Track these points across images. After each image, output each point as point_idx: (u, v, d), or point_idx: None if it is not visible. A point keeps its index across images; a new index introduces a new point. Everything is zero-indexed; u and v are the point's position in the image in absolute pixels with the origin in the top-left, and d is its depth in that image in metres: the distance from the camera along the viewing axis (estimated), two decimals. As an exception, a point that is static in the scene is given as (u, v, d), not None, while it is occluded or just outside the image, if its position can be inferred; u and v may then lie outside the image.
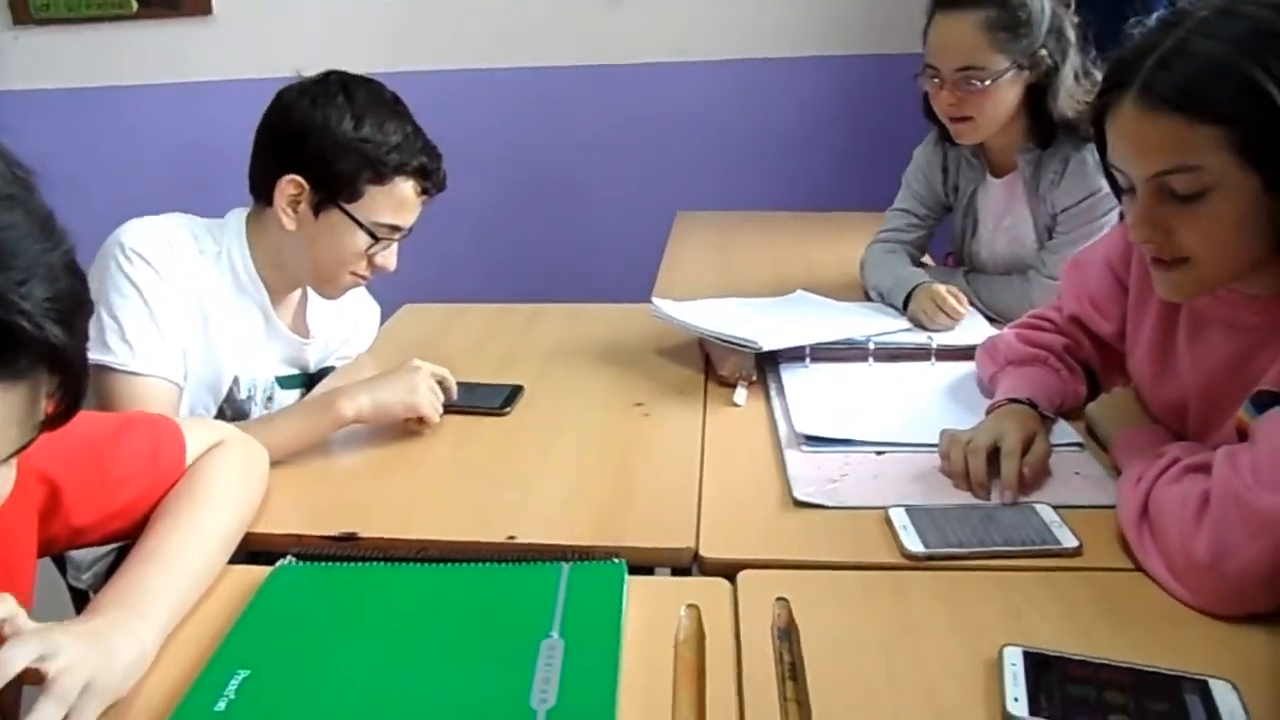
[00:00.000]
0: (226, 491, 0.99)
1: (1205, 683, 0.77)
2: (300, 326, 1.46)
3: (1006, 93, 1.53)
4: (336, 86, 1.30)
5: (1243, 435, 0.96)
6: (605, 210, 3.31)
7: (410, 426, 1.27)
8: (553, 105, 3.22)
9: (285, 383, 1.44)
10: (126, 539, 0.95)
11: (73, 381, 0.63)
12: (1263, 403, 0.95)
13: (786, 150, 3.20)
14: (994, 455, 1.10)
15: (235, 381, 1.35)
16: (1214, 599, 0.87)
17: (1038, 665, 0.79)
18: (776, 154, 3.21)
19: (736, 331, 1.42)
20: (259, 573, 0.95)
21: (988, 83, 1.51)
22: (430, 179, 1.34)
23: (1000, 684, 0.78)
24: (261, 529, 1.05)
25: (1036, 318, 1.35)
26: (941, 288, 1.60)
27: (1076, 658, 0.80)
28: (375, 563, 0.96)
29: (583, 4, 3.09)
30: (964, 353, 1.46)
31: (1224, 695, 0.75)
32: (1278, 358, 0.95)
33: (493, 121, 3.21)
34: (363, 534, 1.04)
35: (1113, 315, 1.23)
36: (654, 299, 1.61)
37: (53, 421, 0.64)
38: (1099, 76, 1.52)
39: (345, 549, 1.01)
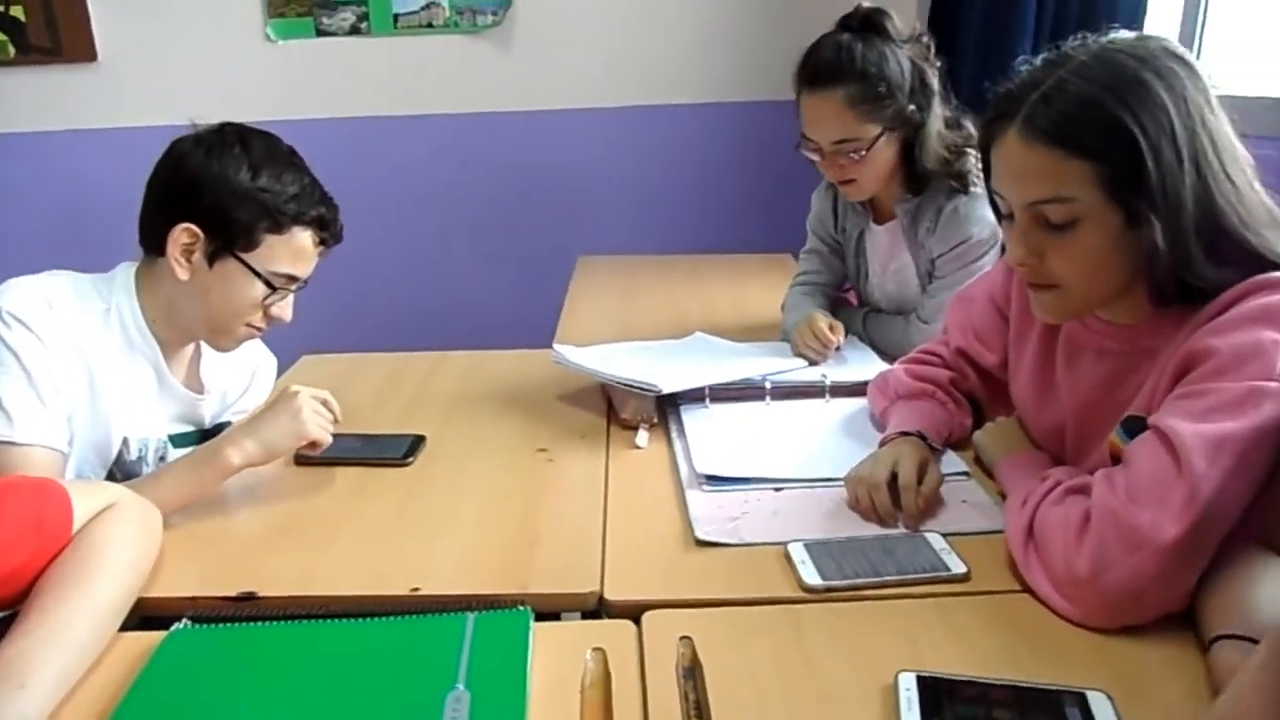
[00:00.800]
0: (116, 557, 0.96)
1: (1083, 695, 0.81)
2: (194, 382, 1.43)
3: (883, 154, 1.61)
4: (233, 137, 1.29)
5: (1115, 458, 1.03)
6: (506, 257, 3.32)
7: (304, 453, 1.26)
8: (452, 152, 3.23)
9: (179, 441, 1.40)
10: (11, 608, 0.91)
11: None
12: (1132, 427, 1.02)
13: (686, 194, 3.27)
14: (893, 484, 1.15)
15: (125, 442, 1.31)
16: (1094, 612, 0.92)
17: (930, 689, 0.82)
18: (677, 198, 3.28)
19: (637, 375, 1.45)
20: (151, 639, 0.92)
21: (864, 152, 1.58)
22: (328, 229, 1.34)
23: (896, 708, 0.81)
24: (155, 593, 1.02)
25: (924, 353, 1.42)
26: (820, 320, 1.66)
27: (966, 679, 0.84)
28: (275, 622, 0.94)
29: (480, 50, 3.12)
30: (856, 389, 1.52)
31: (1100, 706, 0.80)
32: (1143, 384, 1.03)
33: (391, 169, 3.21)
34: (262, 593, 1.02)
35: (996, 347, 1.31)
36: (555, 345, 1.63)
37: None
38: (966, 123, 1.62)
39: (243, 609, 0.99)
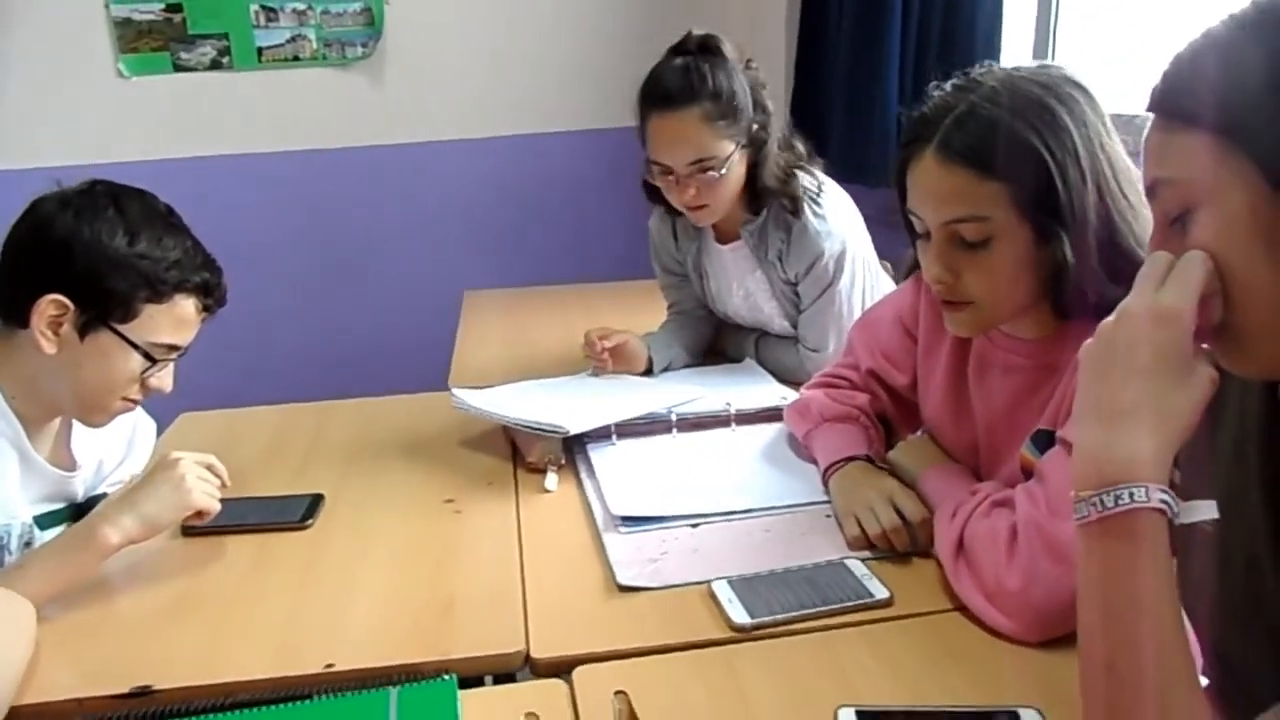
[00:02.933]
0: None
1: (1016, 713, 0.83)
2: (63, 457, 1.31)
3: (735, 174, 1.61)
4: (105, 198, 1.19)
5: (1027, 471, 1.06)
6: (387, 295, 3.23)
7: (190, 523, 1.19)
8: (324, 189, 3.13)
9: (45, 521, 1.28)
10: None
11: None
12: (1040, 441, 1.05)
13: (567, 223, 3.26)
14: None
15: (-11, 530, 1.19)
16: (1026, 624, 0.95)
17: (870, 722, 0.83)
18: (557, 227, 3.26)
19: (541, 417, 1.41)
20: (34, 751, 0.84)
21: (723, 170, 1.59)
22: (211, 295, 1.26)
23: (839, 748, 0.80)
24: (32, 699, 0.93)
25: (833, 376, 1.43)
26: (592, 331, 1.71)
27: (904, 710, 0.84)
28: (177, 718, 0.87)
29: (350, 83, 3.04)
30: (761, 415, 1.53)
31: (1032, 723, 0.82)
32: (1049, 398, 1.07)
33: (260, 209, 3.08)
34: (157, 686, 0.94)
35: (905, 367, 1.33)
36: (453, 389, 1.58)
37: None
38: (797, 143, 1.67)
39: (139, 706, 0.91)
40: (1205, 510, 0.71)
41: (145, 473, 1.18)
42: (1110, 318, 0.71)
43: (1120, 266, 0.98)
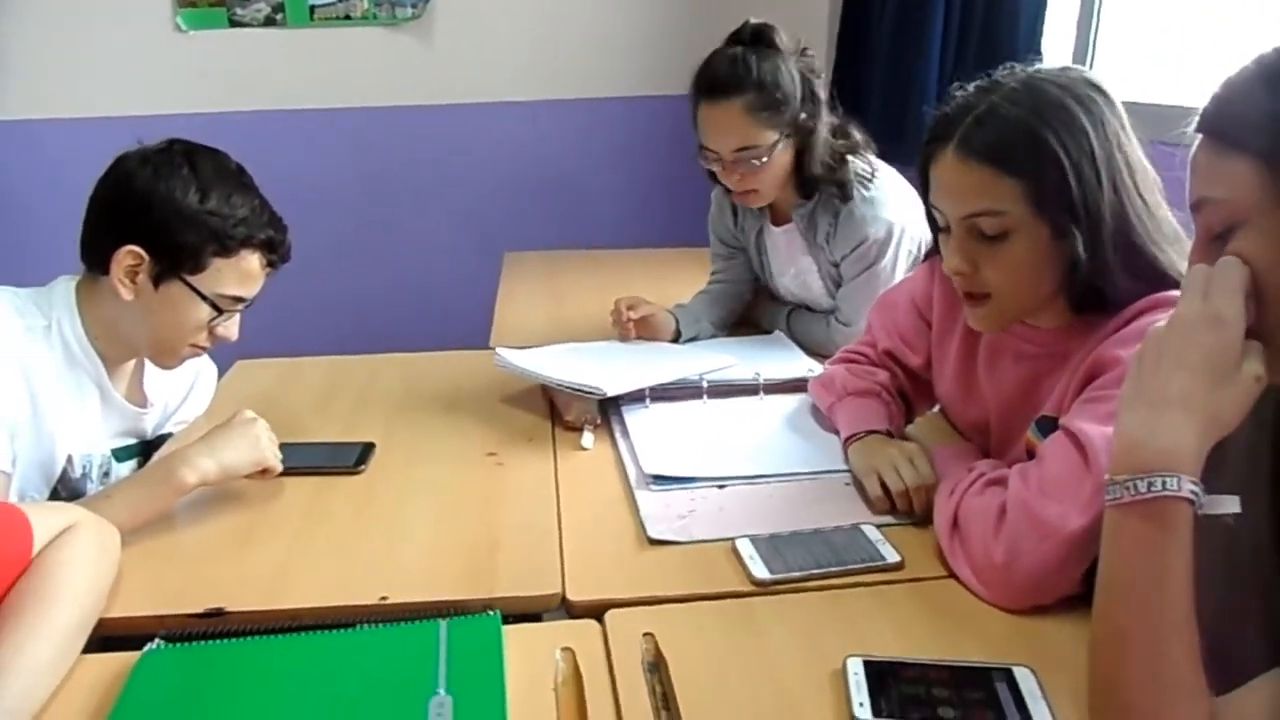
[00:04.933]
0: (78, 579, 0.97)
1: (1010, 671, 0.90)
2: (137, 396, 1.42)
3: (780, 161, 1.69)
4: (181, 157, 1.28)
5: (1030, 454, 1.12)
6: (431, 253, 3.31)
7: (254, 479, 1.28)
8: (370, 147, 3.20)
9: (121, 455, 1.39)
10: None
11: None
12: (1045, 426, 1.11)
13: (609, 188, 3.32)
14: None
15: (69, 460, 1.30)
16: (1008, 596, 1.02)
17: (876, 672, 0.90)
18: (599, 192, 3.32)
19: (579, 378, 1.49)
20: (122, 660, 0.94)
21: (765, 159, 1.66)
22: (276, 251, 1.34)
23: (846, 691, 0.88)
24: (118, 613, 1.03)
25: (854, 353, 1.50)
26: (621, 300, 1.81)
27: (907, 661, 0.92)
28: (248, 638, 0.96)
29: (399, 43, 3.10)
30: (788, 386, 1.60)
31: (1025, 680, 0.89)
32: (1057, 386, 1.12)
33: (308, 165, 3.16)
34: (230, 608, 1.04)
35: (920, 349, 1.39)
36: (496, 349, 1.66)
37: None
38: (853, 131, 1.72)
39: (213, 626, 1.00)
40: (1228, 504, 0.76)
41: (224, 424, 1.27)
42: (1161, 321, 0.77)
43: (1135, 263, 1.03)
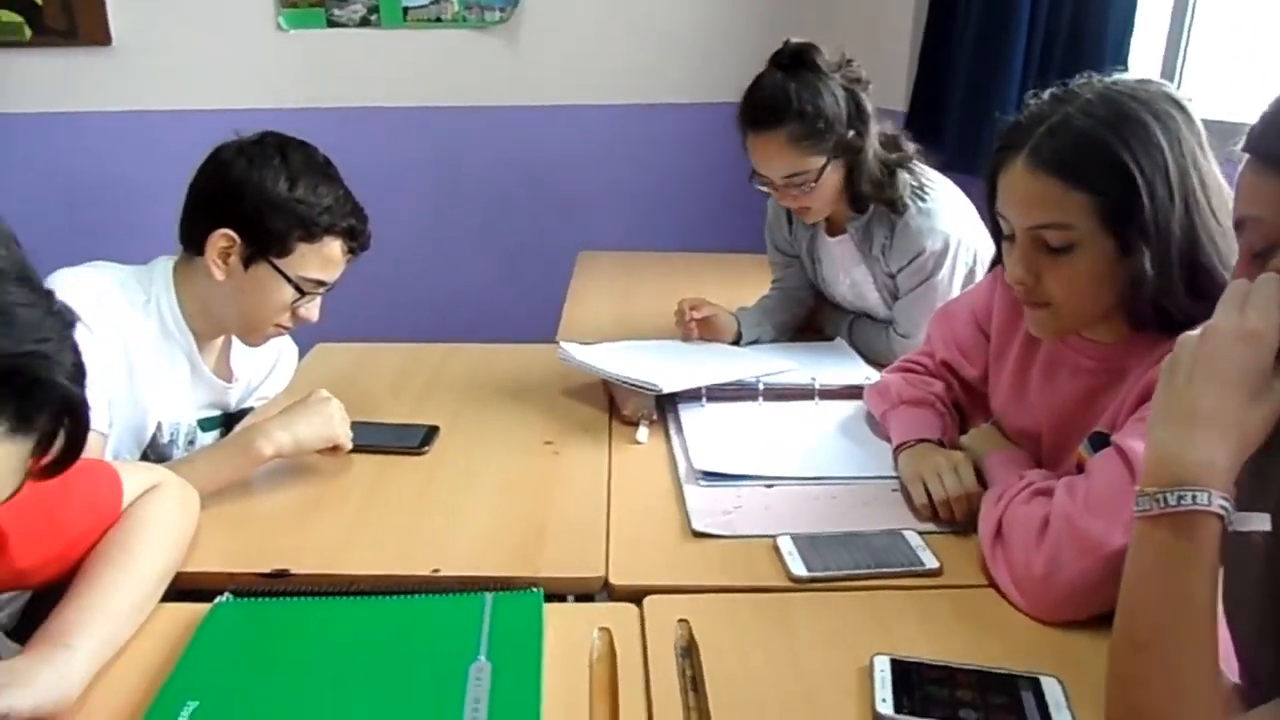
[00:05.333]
0: (161, 533, 1.05)
1: (1037, 680, 0.91)
2: (224, 370, 1.51)
3: (831, 181, 1.71)
4: (273, 148, 1.36)
5: (1081, 469, 1.12)
6: (507, 249, 3.41)
7: (324, 454, 1.35)
8: (456, 145, 3.31)
9: (206, 425, 1.48)
10: (62, 579, 0.99)
11: (81, 434, 0.70)
12: (1097, 442, 1.11)
13: (685, 193, 3.36)
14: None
15: (159, 426, 1.39)
16: (1044, 607, 1.03)
17: (902, 670, 0.92)
18: (676, 196, 3.37)
19: (638, 375, 1.54)
20: (194, 610, 1.01)
21: (814, 183, 1.68)
22: (357, 239, 1.42)
23: (870, 687, 0.90)
24: (193, 568, 1.11)
25: (911, 363, 1.51)
26: (684, 302, 1.87)
27: (934, 663, 0.94)
28: (309, 598, 1.03)
29: (487, 45, 3.19)
30: (843, 392, 1.62)
31: (1051, 689, 0.90)
32: (1112, 402, 1.12)
33: (396, 160, 3.28)
34: (294, 570, 1.11)
35: (977, 361, 1.40)
36: (561, 343, 1.72)
37: (55, 468, 0.71)
38: (904, 141, 1.72)
39: (278, 585, 1.08)
40: (1258, 521, 0.76)
41: (301, 401, 1.35)
42: (1194, 332, 0.77)
43: (1202, 284, 1.01)
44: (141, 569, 1.01)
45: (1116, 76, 1.08)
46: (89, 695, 0.88)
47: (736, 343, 1.89)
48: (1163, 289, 1.03)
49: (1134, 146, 1.00)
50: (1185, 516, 0.73)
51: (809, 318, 2.04)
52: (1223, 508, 0.73)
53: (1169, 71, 2.21)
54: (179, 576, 1.08)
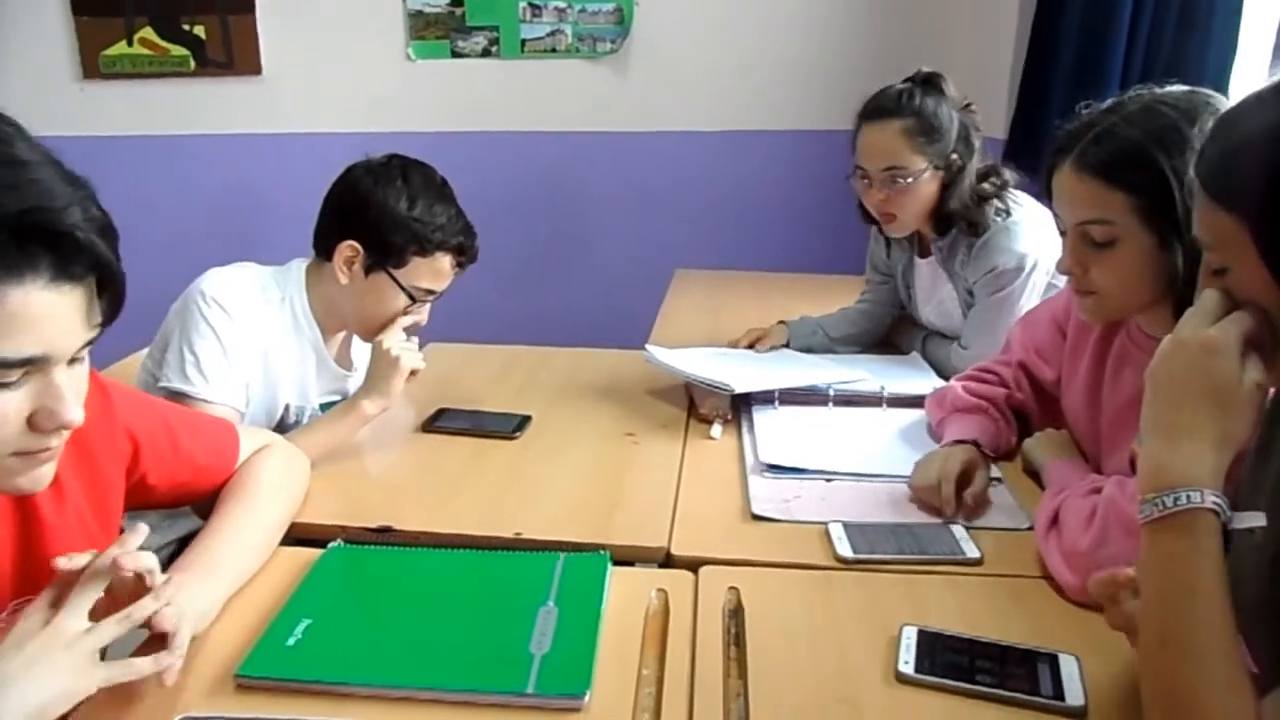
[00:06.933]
0: (274, 485, 1.22)
1: (1055, 656, 0.98)
2: (345, 360, 1.70)
3: (925, 189, 1.79)
4: (397, 170, 1.53)
5: (1133, 463, 1.18)
6: (610, 263, 3.58)
7: (435, 424, 1.56)
8: (569, 166, 3.50)
9: (326, 409, 1.67)
10: (183, 505, 1.19)
11: (116, 287, 0.83)
12: None
13: (778, 216, 3.47)
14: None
15: (287, 409, 1.59)
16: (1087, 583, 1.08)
17: (927, 639, 1.01)
18: (769, 219, 3.48)
19: (714, 376, 1.65)
20: (309, 554, 1.18)
21: (910, 180, 1.76)
22: (465, 254, 1.58)
23: (895, 652, 0.99)
24: (309, 519, 1.28)
25: (983, 370, 1.58)
26: (748, 334, 2.03)
27: (959, 635, 1.02)
28: (409, 548, 1.19)
29: (599, 75, 3.39)
30: (910, 400, 1.69)
31: (1068, 664, 0.96)
32: None
33: (513, 180, 3.49)
34: (397, 527, 1.27)
35: (1054, 363, 1.47)
36: (647, 345, 1.85)
37: (103, 324, 0.84)
38: (1005, 171, 1.81)
39: (382, 538, 1.24)
40: (1252, 518, 0.82)
41: (371, 363, 1.52)
42: (1166, 343, 0.85)
43: None
44: (263, 513, 1.18)
45: (1168, 89, 1.17)
46: (223, 617, 1.04)
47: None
48: (1192, 282, 1.09)
49: (1170, 151, 1.10)
50: (1183, 515, 0.79)
51: (884, 336, 2.13)
52: (1216, 504, 0.79)
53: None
54: (295, 526, 1.25)
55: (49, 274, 0.77)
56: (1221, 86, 2.22)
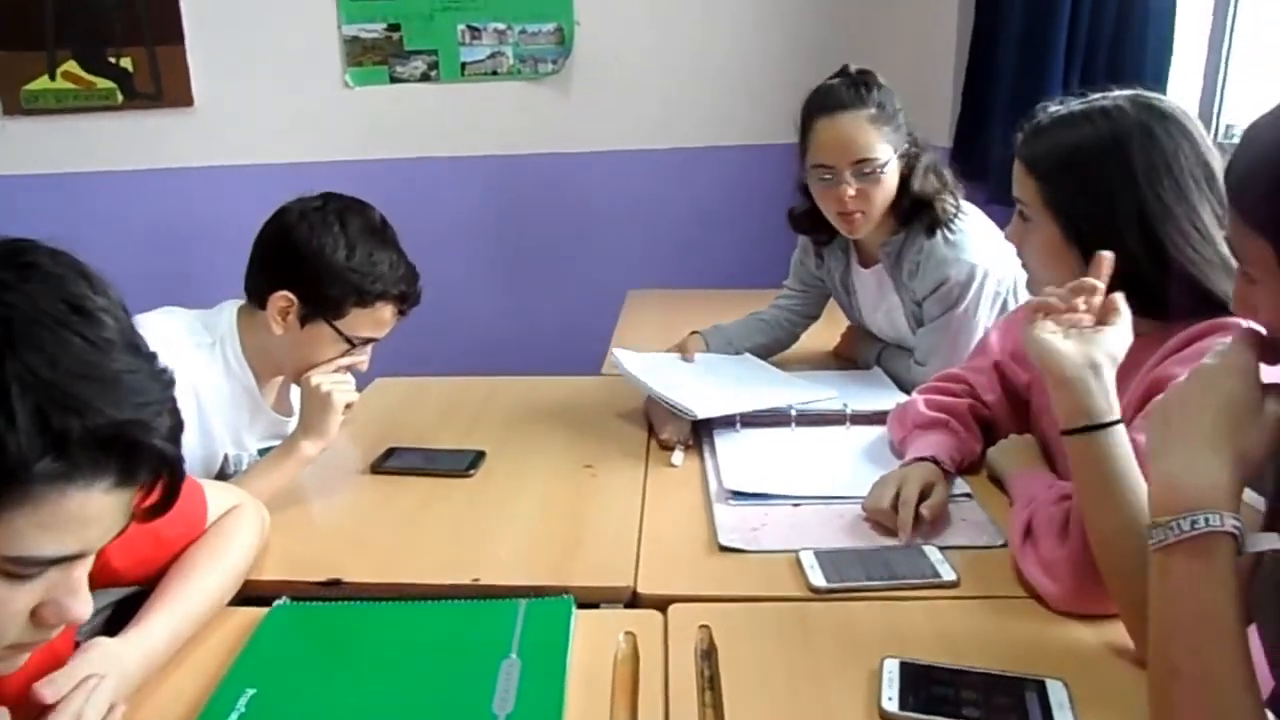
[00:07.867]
0: (238, 549, 1.16)
1: (1042, 682, 0.95)
2: (283, 406, 1.62)
3: (891, 181, 1.75)
4: (333, 215, 1.44)
5: None
6: (558, 288, 3.52)
7: (380, 465, 1.50)
8: (512, 190, 3.45)
9: (264, 455, 1.59)
10: (149, 584, 1.09)
11: (178, 483, 0.77)
12: None
13: (728, 231, 3.45)
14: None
15: (225, 458, 1.51)
16: (1069, 590, 1.07)
17: (910, 672, 0.96)
18: (719, 235, 3.45)
19: (677, 398, 1.61)
20: (254, 613, 1.11)
21: (882, 171, 1.72)
22: (408, 301, 1.51)
23: (878, 687, 0.95)
24: (255, 576, 1.20)
25: (946, 380, 1.56)
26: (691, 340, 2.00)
27: (941, 665, 0.98)
28: (359, 602, 1.12)
29: (540, 96, 3.34)
30: (875, 417, 1.66)
31: (1056, 691, 0.93)
32: (1123, 395, 1.16)
33: (456, 206, 3.43)
34: (346, 579, 1.20)
35: (1028, 366, 1.45)
36: (613, 350, 1.83)
37: (155, 512, 0.78)
38: (945, 172, 1.83)
39: (331, 592, 1.17)
40: (1269, 541, 0.78)
41: (303, 403, 1.45)
42: (1181, 378, 0.85)
43: (1177, 282, 1.12)
44: (217, 579, 1.11)
45: (1117, 92, 1.21)
46: (159, 687, 0.97)
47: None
48: (1129, 282, 1.09)
49: (1087, 149, 1.17)
50: (1201, 540, 0.75)
51: (791, 346, 2.13)
52: (1235, 528, 0.75)
53: (1209, 92, 2.23)
54: (245, 583, 1.17)
55: (114, 478, 0.70)
56: (1160, 85, 2.25)
